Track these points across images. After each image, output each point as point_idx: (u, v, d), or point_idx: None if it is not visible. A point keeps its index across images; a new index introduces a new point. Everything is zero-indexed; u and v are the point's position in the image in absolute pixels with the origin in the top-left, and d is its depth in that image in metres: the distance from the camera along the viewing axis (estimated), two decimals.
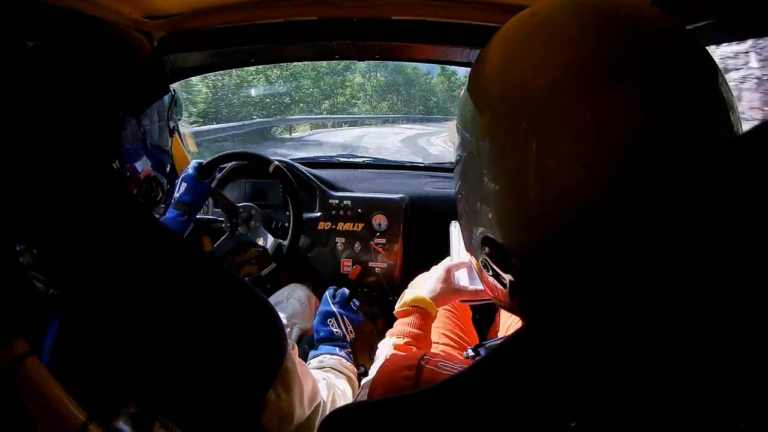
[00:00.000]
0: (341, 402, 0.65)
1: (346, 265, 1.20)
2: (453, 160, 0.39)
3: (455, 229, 0.72)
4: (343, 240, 1.19)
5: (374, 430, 0.31)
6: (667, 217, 0.24)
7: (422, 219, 1.22)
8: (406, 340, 0.64)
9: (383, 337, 0.68)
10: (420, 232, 1.22)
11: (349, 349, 0.86)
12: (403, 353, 0.60)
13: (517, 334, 0.29)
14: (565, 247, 0.29)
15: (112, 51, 0.55)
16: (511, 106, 0.30)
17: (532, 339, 0.28)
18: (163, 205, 0.66)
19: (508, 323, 0.78)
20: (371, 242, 1.18)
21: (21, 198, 0.38)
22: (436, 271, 0.70)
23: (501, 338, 0.70)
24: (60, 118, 0.40)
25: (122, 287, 0.42)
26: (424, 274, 0.73)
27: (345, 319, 0.90)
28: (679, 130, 0.26)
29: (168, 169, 0.67)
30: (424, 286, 0.69)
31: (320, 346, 0.84)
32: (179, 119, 0.72)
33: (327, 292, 0.95)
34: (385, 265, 1.19)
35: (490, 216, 0.33)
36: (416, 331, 0.64)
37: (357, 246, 1.19)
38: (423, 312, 0.66)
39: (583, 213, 0.27)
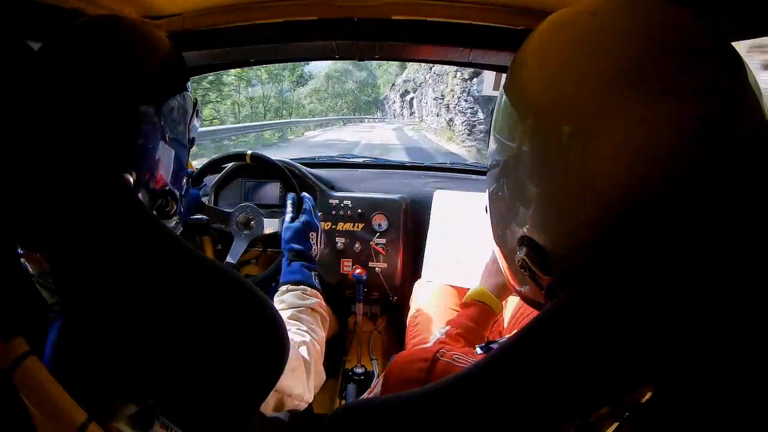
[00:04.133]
0: (317, 359, 0.66)
1: (346, 265, 1.19)
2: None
3: (435, 195, 0.69)
4: (343, 240, 1.19)
5: (389, 427, 0.31)
6: (715, 219, 0.25)
7: (422, 219, 1.22)
8: (458, 331, 0.63)
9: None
10: (420, 232, 1.22)
11: (317, 271, 0.82)
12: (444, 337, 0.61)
13: (539, 322, 0.30)
14: (608, 248, 0.29)
15: (123, 47, 0.50)
16: (553, 110, 0.30)
17: (561, 325, 0.28)
18: (175, 219, 0.60)
19: (514, 319, 0.78)
20: (371, 242, 1.18)
21: (26, 200, 0.38)
22: (493, 265, 0.67)
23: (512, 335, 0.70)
24: (67, 120, 0.40)
25: (124, 288, 0.42)
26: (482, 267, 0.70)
27: (323, 238, 0.87)
28: (724, 133, 0.26)
29: (184, 182, 0.61)
30: (486, 280, 0.67)
31: (297, 265, 0.79)
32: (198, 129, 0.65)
33: (309, 199, 0.90)
34: (385, 265, 1.18)
35: (531, 218, 0.33)
36: (470, 324, 0.63)
37: (357, 246, 1.19)
38: (484, 307, 0.65)
39: (623, 216, 0.28)
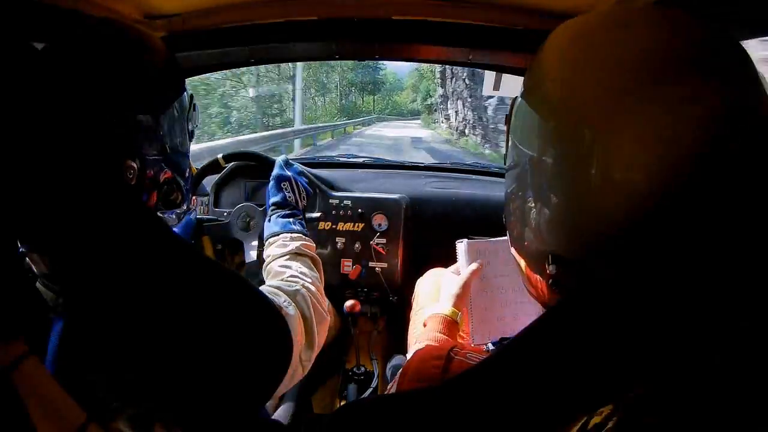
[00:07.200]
0: (314, 303, 0.65)
1: (346, 265, 1.20)
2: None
3: (462, 246, 0.73)
4: (343, 240, 1.19)
5: (401, 422, 0.31)
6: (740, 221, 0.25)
7: (422, 219, 1.22)
8: (426, 343, 0.65)
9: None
10: (420, 231, 1.22)
11: (301, 217, 0.83)
12: (436, 343, 0.62)
13: (554, 314, 0.30)
14: (632, 249, 0.28)
15: (122, 49, 0.51)
16: (573, 112, 0.30)
17: (577, 319, 0.28)
18: (180, 209, 0.62)
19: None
20: (371, 242, 1.18)
21: (27, 201, 0.38)
22: (449, 285, 0.71)
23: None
24: (69, 121, 0.40)
25: (128, 289, 0.42)
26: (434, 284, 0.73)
27: (299, 184, 0.86)
28: (743, 128, 0.26)
29: (187, 173, 0.63)
30: (447, 301, 0.71)
31: (274, 218, 0.81)
32: (197, 126, 0.67)
33: (280, 159, 0.92)
34: (385, 265, 1.18)
35: (556, 229, 0.33)
36: (440, 335, 0.66)
37: (357, 246, 1.19)
38: (443, 317, 0.68)
39: (650, 216, 0.27)
